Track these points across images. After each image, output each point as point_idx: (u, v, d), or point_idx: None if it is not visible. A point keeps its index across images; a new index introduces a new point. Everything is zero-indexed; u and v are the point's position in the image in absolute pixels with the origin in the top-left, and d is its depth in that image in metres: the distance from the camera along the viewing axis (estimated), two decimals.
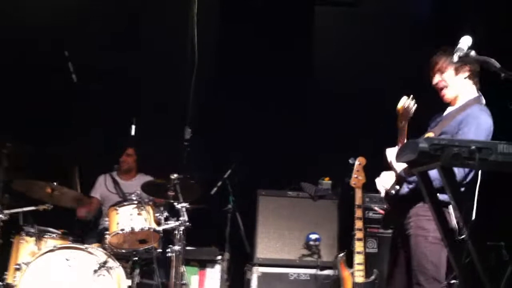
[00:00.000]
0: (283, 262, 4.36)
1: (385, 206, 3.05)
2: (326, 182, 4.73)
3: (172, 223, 4.03)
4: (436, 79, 2.82)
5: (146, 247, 4.08)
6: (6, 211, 4.06)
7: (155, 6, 5.30)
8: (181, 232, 3.98)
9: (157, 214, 4.09)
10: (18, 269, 3.88)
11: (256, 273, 4.28)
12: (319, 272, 4.37)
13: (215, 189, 4.45)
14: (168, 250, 3.99)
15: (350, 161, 4.18)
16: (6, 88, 4.75)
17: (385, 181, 2.87)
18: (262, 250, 4.37)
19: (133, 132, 4.91)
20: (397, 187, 2.81)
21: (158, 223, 4.06)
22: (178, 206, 4.04)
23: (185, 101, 5.38)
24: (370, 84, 5.02)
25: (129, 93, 5.23)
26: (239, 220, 4.43)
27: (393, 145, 2.85)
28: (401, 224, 2.77)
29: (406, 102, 2.73)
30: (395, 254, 2.83)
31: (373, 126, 4.78)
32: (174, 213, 4.09)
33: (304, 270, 4.37)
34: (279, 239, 4.39)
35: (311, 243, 4.40)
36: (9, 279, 4.00)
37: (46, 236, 4.04)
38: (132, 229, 3.94)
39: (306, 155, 5.03)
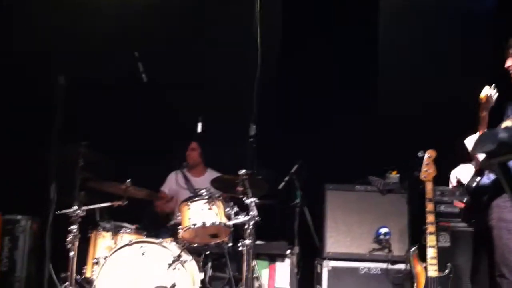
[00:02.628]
0: (353, 256, 4.33)
1: (465, 200, 2.99)
2: (394, 175, 4.67)
3: (242, 218, 4.07)
4: (509, 62, 2.74)
5: (217, 242, 4.16)
6: (84, 208, 4.24)
7: (219, 7, 5.38)
8: (251, 226, 4.03)
9: (227, 209, 4.14)
10: (96, 263, 4.05)
11: (326, 267, 4.27)
12: (391, 266, 4.32)
13: (282, 184, 4.47)
14: (239, 244, 4.05)
15: (419, 154, 4.11)
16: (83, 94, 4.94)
17: (463, 174, 2.81)
18: (332, 245, 4.36)
19: (199, 130, 5.00)
20: (478, 178, 2.74)
21: (229, 217, 4.12)
22: (247, 201, 4.09)
23: (250, 97, 5.46)
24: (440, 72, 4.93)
25: (195, 91, 5.33)
26: (307, 214, 4.43)
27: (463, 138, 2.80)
28: (483, 216, 2.71)
29: (489, 91, 2.67)
30: (478, 247, 2.78)
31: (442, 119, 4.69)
32: (244, 208, 4.14)
33: (375, 264, 4.33)
34: (349, 234, 4.37)
35: (381, 237, 4.36)
36: (87, 273, 4.18)
37: (121, 231, 4.18)
38: (204, 223, 4.01)
39: (373, 148, 4.98)
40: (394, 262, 4.34)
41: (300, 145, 4.95)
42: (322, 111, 5.17)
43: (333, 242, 4.36)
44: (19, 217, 4.90)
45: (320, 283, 4.25)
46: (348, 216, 4.41)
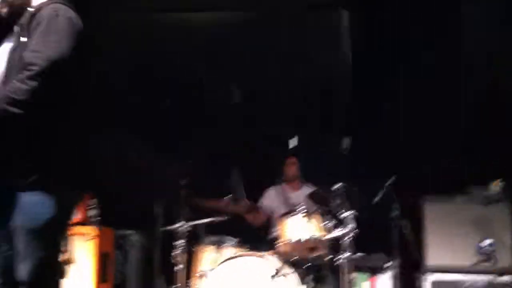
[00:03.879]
0: (456, 269, 4.24)
1: None
2: (497, 185, 4.53)
3: (339, 231, 4.13)
4: None
5: (315, 255, 4.24)
6: (189, 223, 4.49)
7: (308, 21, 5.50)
8: (349, 239, 4.08)
9: (325, 223, 4.22)
10: (201, 276, 4.26)
11: (429, 280, 4.21)
12: (497, 279, 4.19)
13: (379, 196, 4.47)
14: (338, 257, 4.11)
15: None
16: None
17: None
18: (433, 257, 4.29)
19: (293, 144, 5.12)
20: None
21: (326, 231, 4.19)
22: (344, 214, 4.14)
23: (341, 109, 5.52)
24: None
25: (284, 105, 5.46)
26: (406, 227, 4.39)
27: None
28: None
29: None
30: None
31: None
32: (341, 221, 4.19)
33: (480, 276, 4.21)
34: (450, 246, 4.29)
35: (486, 248, 4.24)
36: (193, 286, 4.39)
37: (225, 244, 4.37)
38: (302, 238, 4.12)
39: (472, 158, 4.86)
40: (501, 273, 4.20)
41: (395, 156, 4.93)
42: (416, 120, 5.12)
43: (435, 255, 4.29)
44: (129, 232, 5.26)
45: None
46: (448, 228, 4.33)
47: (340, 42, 5.58)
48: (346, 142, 4.92)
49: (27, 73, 2.21)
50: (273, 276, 3.92)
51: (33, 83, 2.19)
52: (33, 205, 2.28)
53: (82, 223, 4.34)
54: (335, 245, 4.20)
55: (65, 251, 4.18)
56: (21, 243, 2.29)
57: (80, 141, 2.54)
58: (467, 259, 4.24)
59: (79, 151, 2.52)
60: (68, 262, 4.19)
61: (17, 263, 2.30)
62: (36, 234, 2.28)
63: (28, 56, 2.25)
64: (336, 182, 4.17)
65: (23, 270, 2.29)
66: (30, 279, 2.29)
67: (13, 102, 2.19)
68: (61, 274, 4.09)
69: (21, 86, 2.20)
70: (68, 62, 2.27)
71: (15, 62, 2.31)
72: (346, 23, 5.58)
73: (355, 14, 5.53)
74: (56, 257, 2.41)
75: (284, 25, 5.49)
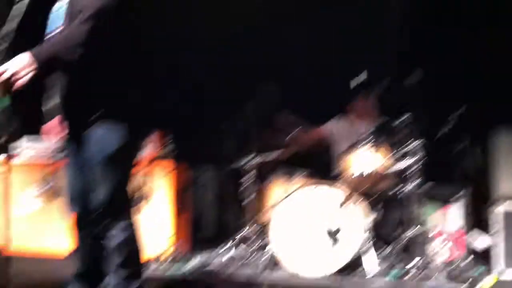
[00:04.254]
0: None
1: None
2: None
3: (408, 161, 4.14)
4: None
5: (384, 185, 4.28)
6: (260, 157, 4.65)
7: None
8: (418, 169, 4.08)
9: (393, 153, 4.23)
10: (272, 207, 4.43)
11: (500, 208, 4.15)
12: None
13: (449, 125, 4.39)
14: (406, 187, 4.13)
15: None
16: None
17: None
18: (506, 185, 4.20)
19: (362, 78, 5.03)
20: None
21: (394, 161, 4.21)
22: (413, 144, 4.14)
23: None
24: None
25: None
26: (478, 154, 4.32)
27: None
28: None
29: None
30: None
31: None
32: (409, 152, 4.19)
33: None
34: None
35: None
36: (264, 217, 4.58)
37: (294, 176, 4.50)
38: (369, 169, 4.17)
39: None
40: None
41: (468, 87, 4.79)
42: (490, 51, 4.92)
43: (507, 184, 4.19)
44: (205, 168, 5.51)
45: (494, 225, 4.14)
46: None
47: None
48: (417, 74, 4.86)
49: (80, 18, 2.40)
50: (341, 204, 4.00)
51: (87, 26, 2.38)
52: (101, 137, 2.50)
53: (159, 158, 4.59)
54: (404, 176, 4.21)
55: (145, 185, 4.51)
56: (95, 172, 2.53)
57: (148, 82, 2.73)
58: None
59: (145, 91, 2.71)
60: (147, 195, 4.50)
61: (93, 191, 2.55)
62: (106, 163, 2.50)
63: (79, 4, 2.46)
64: (405, 113, 4.15)
65: (99, 195, 2.53)
66: (104, 204, 2.53)
67: (73, 46, 2.40)
68: (135, 200, 4.42)
69: (76, 29, 2.41)
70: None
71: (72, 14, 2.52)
72: None
73: None
74: (127, 183, 2.63)
75: None
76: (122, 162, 2.58)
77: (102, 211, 2.55)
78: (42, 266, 4.18)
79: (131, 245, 2.60)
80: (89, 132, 2.56)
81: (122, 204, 2.61)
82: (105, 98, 2.55)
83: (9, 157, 2.57)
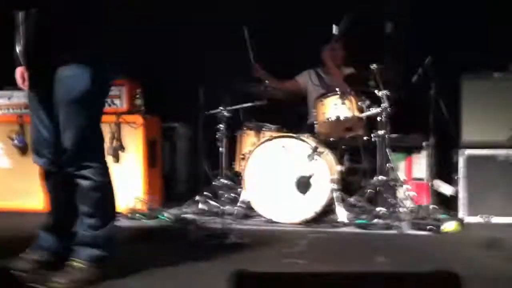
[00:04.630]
0: (491, 144, 4.28)
1: None
2: None
3: (374, 110, 4.25)
4: None
5: (352, 135, 4.39)
6: (229, 108, 4.70)
7: None
8: (384, 118, 4.20)
9: (360, 103, 4.33)
10: (242, 158, 4.51)
11: (462, 155, 4.30)
12: None
13: (415, 76, 4.49)
14: (373, 135, 4.25)
15: None
16: None
17: None
18: (469, 133, 4.34)
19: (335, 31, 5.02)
20: None
21: (361, 110, 4.30)
22: (379, 93, 4.23)
23: None
24: None
25: None
26: (442, 105, 4.43)
27: None
28: None
29: None
30: None
31: None
32: (377, 101, 4.29)
33: None
34: (486, 122, 4.30)
35: None
36: (237, 167, 4.68)
37: (264, 129, 4.58)
38: (338, 117, 4.26)
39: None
40: None
41: (433, 36, 4.87)
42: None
43: (470, 131, 4.33)
44: (176, 124, 5.54)
45: (456, 172, 4.30)
46: (486, 104, 4.33)
47: None
48: (388, 27, 4.92)
49: None
50: (309, 156, 4.09)
51: None
52: (69, 78, 2.50)
53: (130, 112, 4.59)
54: (371, 125, 4.33)
55: (116, 138, 4.51)
56: (62, 114, 2.53)
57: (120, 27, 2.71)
58: (503, 134, 4.26)
59: (118, 36, 2.69)
60: (119, 149, 4.52)
61: (61, 133, 2.55)
62: (74, 105, 2.50)
63: None
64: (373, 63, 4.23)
65: (66, 139, 2.53)
66: (72, 147, 2.53)
67: None
68: (111, 149, 4.42)
69: None
70: None
71: None
72: None
73: None
74: (95, 127, 2.62)
75: None
76: (88, 106, 2.54)
77: (70, 155, 2.53)
78: (14, 220, 4.20)
79: (101, 191, 2.60)
80: (56, 76, 2.53)
81: (91, 148, 2.59)
82: (71, 43, 2.52)
83: None
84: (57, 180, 2.69)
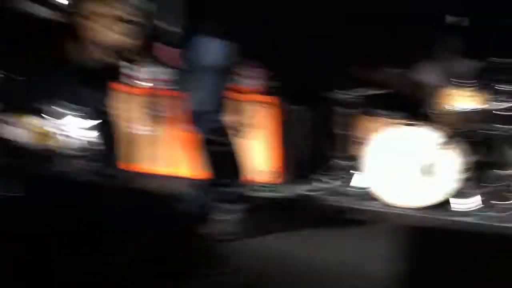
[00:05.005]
0: None
1: None
2: None
3: (504, 103, 4.21)
4: None
5: (479, 127, 4.35)
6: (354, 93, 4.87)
7: None
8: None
9: (489, 94, 4.30)
10: (362, 143, 4.64)
11: None
12: None
13: None
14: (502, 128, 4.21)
15: None
16: None
17: None
18: None
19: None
20: None
21: (489, 103, 4.28)
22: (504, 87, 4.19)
23: None
24: None
25: None
26: None
27: None
28: None
29: None
30: None
31: None
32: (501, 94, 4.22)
33: None
34: None
35: None
36: (355, 152, 4.79)
37: (385, 115, 4.72)
38: (465, 107, 4.29)
39: None
40: None
41: None
42: None
43: None
44: (303, 107, 5.78)
45: None
46: None
47: None
48: None
49: None
50: (439, 144, 4.15)
51: None
52: (208, 48, 3.02)
53: (261, 92, 4.92)
54: (499, 117, 4.28)
55: (251, 116, 4.87)
56: (196, 79, 3.03)
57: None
58: None
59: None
60: (248, 126, 4.87)
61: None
62: (206, 71, 3.01)
63: None
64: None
65: (194, 99, 3.02)
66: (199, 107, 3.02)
67: None
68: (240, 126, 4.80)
69: None
70: None
71: None
72: None
73: None
74: (222, 92, 3.09)
75: None
76: (218, 75, 3.04)
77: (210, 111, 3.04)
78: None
79: (229, 155, 3.07)
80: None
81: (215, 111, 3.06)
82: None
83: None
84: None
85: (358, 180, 4.48)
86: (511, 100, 4.20)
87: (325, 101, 5.12)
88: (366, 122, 4.81)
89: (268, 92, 4.99)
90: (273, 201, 4.29)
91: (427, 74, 5.10)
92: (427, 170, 4.15)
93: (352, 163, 4.75)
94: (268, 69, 5.03)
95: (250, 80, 4.92)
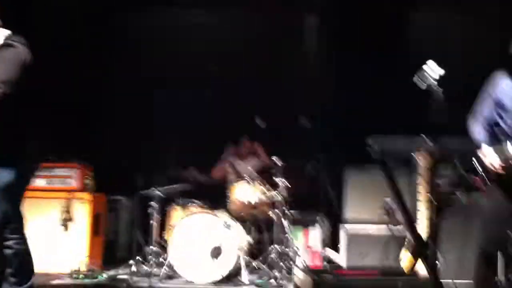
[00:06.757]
0: (367, 221, 5.38)
1: None
2: None
3: (275, 194, 5.42)
4: None
5: (258, 212, 5.52)
6: (160, 189, 5.76)
7: None
8: (283, 199, 5.37)
9: (265, 187, 5.50)
10: (170, 229, 5.53)
11: (345, 231, 5.42)
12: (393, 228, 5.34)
13: (310, 168, 5.76)
14: (274, 211, 5.40)
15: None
16: None
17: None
18: (351, 212, 5.47)
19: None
20: None
21: (265, 194, 5.48)
22: (280, 182, 5.43)
23: None
24: None
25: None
26: (330, 189, 5.66)
27: None
28: None
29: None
30: None
31: None
32: (278, 186, 5.46)
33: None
34: (363, 204, 5.46)
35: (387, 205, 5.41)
36: (166, 236, 5.69)
37: (189, 205, 5.66)
38: (246, 200, 5.43)
39: None
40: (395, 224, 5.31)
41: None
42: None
43: (351, 211, 5.47)
44: (120, 197, 6.55)
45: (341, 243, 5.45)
46: (364, 190, 5.48)
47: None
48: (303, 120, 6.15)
49: None
50: (223, 226, 5.16)
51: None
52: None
53: (80, 190, 5.62)
54: (274, 204, 5.47)
55: (67, 211, 5.50)
56: None
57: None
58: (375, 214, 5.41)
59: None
60: (68, 220, 5.51)
61: None
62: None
63: None
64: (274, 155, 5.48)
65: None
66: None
67: None
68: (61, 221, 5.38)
69: None
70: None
71: None
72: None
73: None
74: (17, 211, 3.52)
75: None
76: (11, 194, 3.46)
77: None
78: None
79: (22, 256, 3.45)
80: None
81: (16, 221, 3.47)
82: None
83: None
84: None
85: (168, 261, 5.29)
86: (278, 193, 5.40)
87: (142, 195, 5.95)
88: (174, 211, 5.70)
89: (89, 189, 5.70)
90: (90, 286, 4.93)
91: (225, 171, 6.26)
92: (215, 252, 5.10)
93: (162, 247, 5.58)
94: (92, 168, 5.79)
95: (74, 179, 5.61)
